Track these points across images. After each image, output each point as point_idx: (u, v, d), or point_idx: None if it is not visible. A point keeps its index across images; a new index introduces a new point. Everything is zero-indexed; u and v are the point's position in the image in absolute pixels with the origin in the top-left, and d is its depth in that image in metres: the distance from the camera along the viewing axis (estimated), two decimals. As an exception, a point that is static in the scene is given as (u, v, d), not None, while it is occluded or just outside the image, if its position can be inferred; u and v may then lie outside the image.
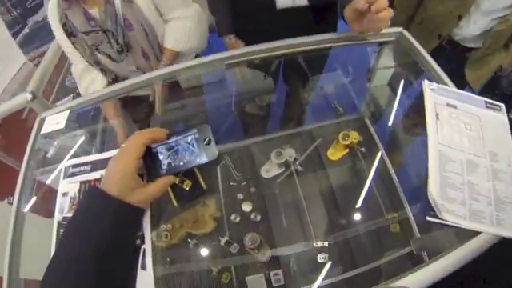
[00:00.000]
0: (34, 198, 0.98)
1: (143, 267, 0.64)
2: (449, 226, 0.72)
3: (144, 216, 0.67)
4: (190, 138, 0.72)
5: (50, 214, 0.85)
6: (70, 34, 1.38)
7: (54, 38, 1.48)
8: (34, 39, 2.56)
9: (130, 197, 0.61)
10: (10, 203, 0.92)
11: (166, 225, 0.96)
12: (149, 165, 0.70)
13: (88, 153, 1.14)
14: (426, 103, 0.92)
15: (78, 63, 1.52)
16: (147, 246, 0.65)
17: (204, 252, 0.96)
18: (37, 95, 1.13)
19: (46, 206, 0.98)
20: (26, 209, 0.98)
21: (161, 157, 0.71)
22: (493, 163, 0.83)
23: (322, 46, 1.19)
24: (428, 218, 0.74)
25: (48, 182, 0.99)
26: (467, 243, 0.70)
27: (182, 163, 0.71)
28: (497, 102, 0.95)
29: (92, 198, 0.61)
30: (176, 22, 1.47)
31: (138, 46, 1.46)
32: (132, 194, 0.62)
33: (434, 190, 0.76)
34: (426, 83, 0.96)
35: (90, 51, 1.43)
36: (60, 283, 0.55)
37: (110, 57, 1.45)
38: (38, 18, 2.80)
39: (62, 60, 2.44)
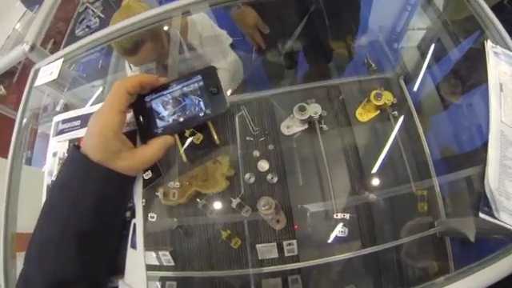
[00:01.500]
0: (34, 152, 0.95)
1: (133, 246, 0.55)
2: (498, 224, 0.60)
3: (135, 185, 0.56)
4: (193, 87, 0.58)
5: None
6: None
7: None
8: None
9: (116, 162, 0.49)
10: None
11: (174, 182, 0.90)
12: (141, 122, 0.57)
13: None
14: (488, 69, 0.76)
15: None
16: (138, 221, 0.55)
17: (213, 214, 0.91)
18: (35, 46, 1.04)
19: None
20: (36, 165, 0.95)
21: (156, 112, 0.57)
22: None
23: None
24: (481, 215, 0.60)
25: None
26: None
27: (182, 119, 0.57)
28: None
29: (72, 163, 0.51)
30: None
31: None
32: (117, 159, 0.49)
33: (492, 181, 0.62)
34: (488, 44, 0.80)
35: None
36: (41, 265, 0.48)
37: None
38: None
39: (71, 9, 2.34)
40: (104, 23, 2.20)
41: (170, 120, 0.56)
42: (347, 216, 0.85)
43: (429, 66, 1.11)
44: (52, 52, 1.11)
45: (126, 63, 1.52)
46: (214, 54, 1.54)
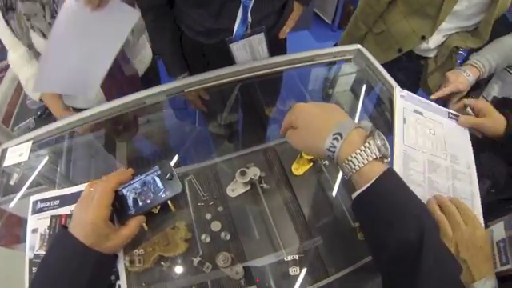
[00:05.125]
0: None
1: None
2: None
3: (119, 257, 0.71)
4: (152, 176, 0.74)
5: (18, 244, 0.86)
6: (10, 7, 1.28)
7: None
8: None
9: (105, 243, 0.64)
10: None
11: (138, 250, 0.97)
12: (117, 208, 0.71)
13: (52, 181, 1.13)
14: (394, 108, 0.97)
15: (16, 49, 1.42)
16: (122, 283, 0.68)
17: (178, 273, 0.98)
18: (-3, 123, 1.11)
19: (12, 236, 0.97)
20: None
21: (128, 198, 0.72)
22: (453, 164, 0.92)
23: (282, 67, 1.23)
24: None
25: (14, 211, 0.97)
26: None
27: (149, 201, 0.73)
28: (457, 113, 1.04)
29: (67, 247, 0.62)
30: None
31: None
32: (106, 241, 0.65)
33: None
34: (397, 89, 1.02)
35: (27, 30, 1.32)
36: None
37: (43, 34, 1.33)
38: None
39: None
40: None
41: (140, 203, 0.72)
42: (297, 257, 0.98)
43: (354, 113, 1.34)
44: (3, 121, 1.16)
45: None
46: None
